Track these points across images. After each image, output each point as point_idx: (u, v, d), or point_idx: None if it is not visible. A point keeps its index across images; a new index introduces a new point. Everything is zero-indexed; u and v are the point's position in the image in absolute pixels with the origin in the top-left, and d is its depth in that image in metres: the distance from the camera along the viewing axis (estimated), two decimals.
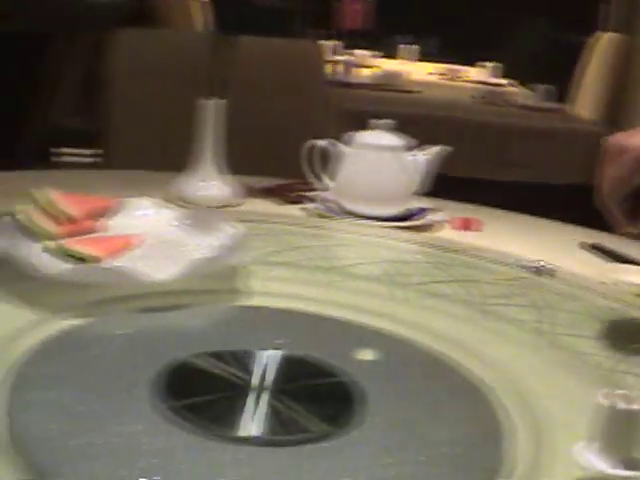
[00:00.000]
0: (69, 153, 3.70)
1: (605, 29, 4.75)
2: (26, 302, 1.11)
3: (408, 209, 1.67)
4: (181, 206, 1.49)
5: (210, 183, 1.61)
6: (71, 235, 1.27)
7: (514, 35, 7.07)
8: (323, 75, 2.48)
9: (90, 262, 1.18)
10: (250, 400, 0.91)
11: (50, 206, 1.30)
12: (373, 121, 1.68)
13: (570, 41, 5.40)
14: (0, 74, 2.49)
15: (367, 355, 1.10)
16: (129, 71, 2.26)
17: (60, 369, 0.96)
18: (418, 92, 4.25)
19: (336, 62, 4.41)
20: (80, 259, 1.20)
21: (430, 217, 1.66)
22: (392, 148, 1.66)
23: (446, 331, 1.15)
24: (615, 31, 4.47)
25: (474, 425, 0.94)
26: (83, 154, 3.62)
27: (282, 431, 0.89)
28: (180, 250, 1.28)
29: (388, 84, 4.19)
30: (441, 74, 5.22)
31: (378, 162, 1.66)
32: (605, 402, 0.80)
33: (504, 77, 5.34)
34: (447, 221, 1.67)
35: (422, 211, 1.67)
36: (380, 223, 1.62)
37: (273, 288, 1.26)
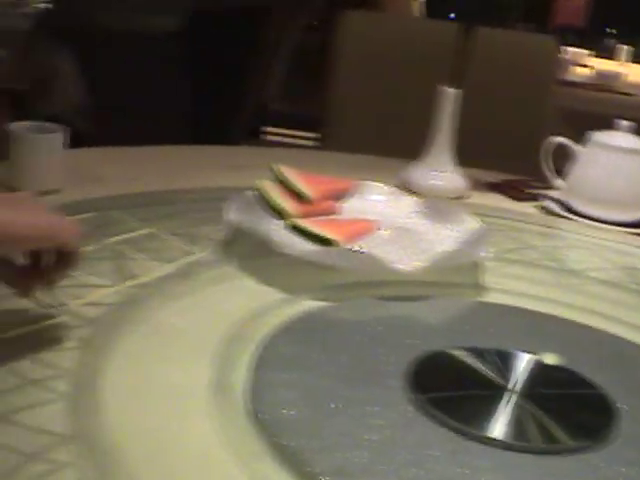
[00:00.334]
0: (279, 133, 3.74)
1: None
2: (269, 280, 1.10)
3: None
4: (413, 194, 1.46)
5: (443, 173, 1.57)
6: (308, 215, 1.26)
7: None
8: (555, 72, 2.41)
9: (329, 245, 1.17)
10: (503, 402, 0.87)
11: (288, 184, 1.29)
12: (616, 121, 1.60)
13: None
14: (217, 52, 2.52)
15: (622, 366, 1.04)
16: (356, 55, 2.24)
17: (304, 351, 0.94)
18: (634, 95, 4.09)
19: None
20: (319, 240, 1.18)
21: None
22: (634, 151, 1.58)
23: None
24: None
25: None
26: (294, 135, 3.65)
27: (534, 439, 0.84)
28: (420, 240, 1.25)
29: (606, 85, 4.05)
30: None
31: (617, 164, 1.58)
32: None
33: None
34: None
35: None
36: (615, 228, 1.55)
37: (511, 286, 1.21)
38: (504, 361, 0.94)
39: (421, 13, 4.18)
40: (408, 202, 1.35)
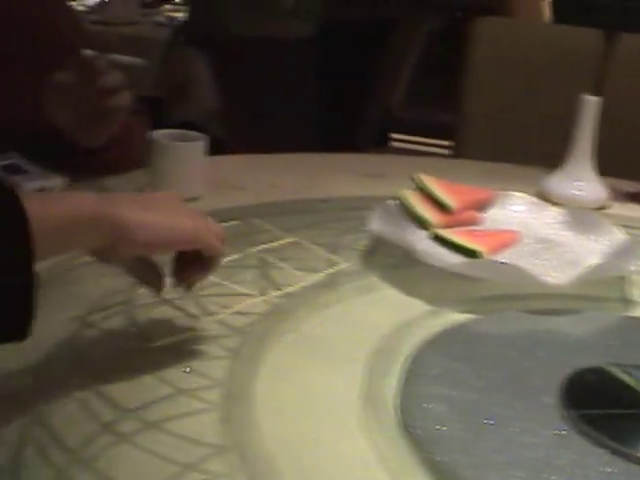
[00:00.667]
0: (406, 140, 3.73)
1: None
2: (413, 291, 1.10)
3: None
4: (554, 204, 1.43)
5: (584, 183, 1.53)
6: (450, 226, 1.25)
7: None
8: None
9: (473, 256, 1.15)
10: None
11: (430, 194, 1.28)
12: None
13: None
14: (346, 60, 2.52)
15: None
16: (489, 61, 2.21)
17: (452, 365, 0.93)
18: None
19: None
20: (463, 251, 1.16)
21: None
22: None
23: None
24: None
25: None
26: (421, 142, 3.63)
27: None
28: (565, 252, 1.22)
29: None
30: None
31: None
32: None
33: None
34: None
35: None
36: None
37: None
38: None
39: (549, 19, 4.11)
40: (551, 213, 1.32)
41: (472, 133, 2.24)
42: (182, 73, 2.35)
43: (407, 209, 1.25)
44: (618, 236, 1.22)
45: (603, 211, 1.54)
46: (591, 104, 1.52)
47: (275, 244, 1.17)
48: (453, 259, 1.14)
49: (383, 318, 1.02)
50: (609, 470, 0.77)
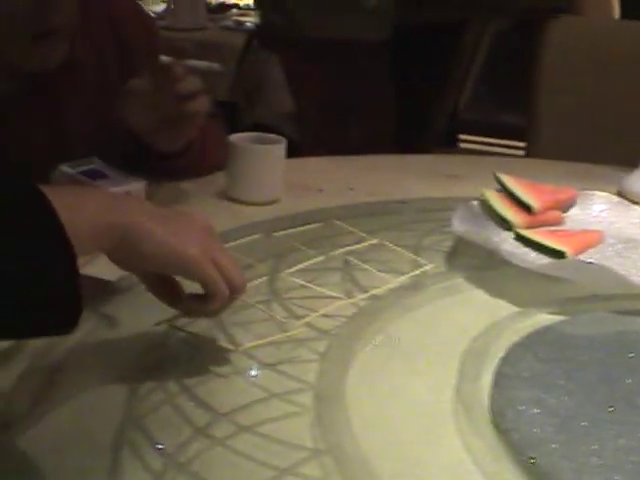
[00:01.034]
0: (475, 141, 3.71)
1: None
2: (500, 292, 1.09)
3: None
4: (635, 204, 1.41)
5: None
6: (533, 226, 1.23)
7: None
8: None
9: (559, 256, 1.14)
10: None
11: (513, 194, 1.27)
12: None
13: None
14: (417, 62, 2.51)
15: None
16: (561, 61, 2.19)
17: (543, 367, 0.92)
18: None
19: None
20: (549, 252, 1.15)
21: None
22: None
23: None
24: None
25: None
26: (489, 143, 3.60)
27: None
28: None
29: None
30: None
31: None
32: None
33: None
34: None
35: None
36: None
37: None
38: None
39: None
40: (636, 212, 1.30)
41: (545, 133, 2.22)
42: (256, 77, 2.36)
43: (489, 209, 1.24)
44: None
45: None
46: None
47: (359, 246, 1.17)
48: (538, 260, 1.13)
49: (471, 320, 1.01)
50: None
